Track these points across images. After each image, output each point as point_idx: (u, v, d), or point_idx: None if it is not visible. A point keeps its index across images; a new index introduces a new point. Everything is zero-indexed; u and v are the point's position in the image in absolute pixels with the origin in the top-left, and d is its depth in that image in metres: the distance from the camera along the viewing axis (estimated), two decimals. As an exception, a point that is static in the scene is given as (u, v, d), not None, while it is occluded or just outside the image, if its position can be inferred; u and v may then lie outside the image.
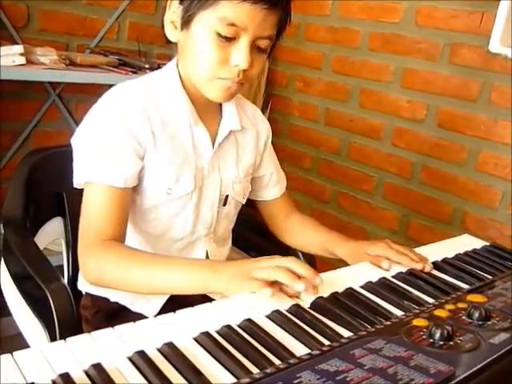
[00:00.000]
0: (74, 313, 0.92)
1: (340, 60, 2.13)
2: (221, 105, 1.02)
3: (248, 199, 1.11)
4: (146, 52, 2.21)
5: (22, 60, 1.63)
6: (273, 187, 1.16)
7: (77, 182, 0.93)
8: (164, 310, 0.99)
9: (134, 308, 1.02)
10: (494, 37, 1.65)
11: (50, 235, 1.19)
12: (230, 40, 0.85)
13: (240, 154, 1.05)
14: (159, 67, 2.02)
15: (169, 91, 0.95)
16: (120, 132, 0.90)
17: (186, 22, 0.88)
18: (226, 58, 0.86)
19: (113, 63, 1.92)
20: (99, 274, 0.87)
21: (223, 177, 1.02)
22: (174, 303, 0.92)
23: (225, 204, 1.04)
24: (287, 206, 1.19)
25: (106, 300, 1.04)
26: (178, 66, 0.97)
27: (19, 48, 1.63)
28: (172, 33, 0.92)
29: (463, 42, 1.75)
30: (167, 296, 1.00)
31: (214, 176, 1.01)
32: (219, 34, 0.85)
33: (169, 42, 0.94)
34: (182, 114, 0.95)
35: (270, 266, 0.76)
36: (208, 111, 0.99)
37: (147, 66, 1.94)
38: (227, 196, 1.04)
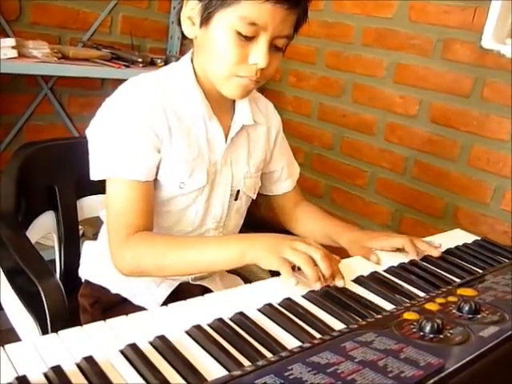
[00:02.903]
0: (66, 309, 0.91)
1: (333, 55, 2.13)
2: (234, 99, 1.02)
3: None
4: (139, 46, 2.20)
5: (14, 53, 1.63)
6: (283, 181, 1.17)
7: (96, 176, 0.94)
8: (166, 303, 0.99)
9: (137, 301, 1.02)
10: (487, 33, 1.66)
11: (42, 229, 1.18)
12: (249, 39, 0.85)
13: (251, 149, 1.06)
14: (152, 61, 2.03)
15: (183, 86, 0.95)
16: (139, 127, 0.90)
17: (205, 19, 0.87)
18: (245, 56, 0.86)
19: (105, 57, 1.91)
20: (137, 265, 0.89)
21: (235, 172, 1.03)
22: (177, 297, 0.93)
23: (236, 199, 1.05)
24: (296, 196, 1.19)
25: (105, 290, 1.04)
26: (192, 60, 0.97)
27: (11, 41, 1.62)
28: (189, 29, 0.92)
29: (456, 38, 1.75)
30: (171, 288, 1.01)
31: (226, 171, 1.01)
32: (239, 33, 0.85)
33: (185, 37, 0.94)
34: (197, 109, 0.95)
35: (302, 253, 0.78)
36: (221, 106, 0.99)
37: (140, 59, 1.93)
38: (238, 191, 1.04)
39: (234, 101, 1.02)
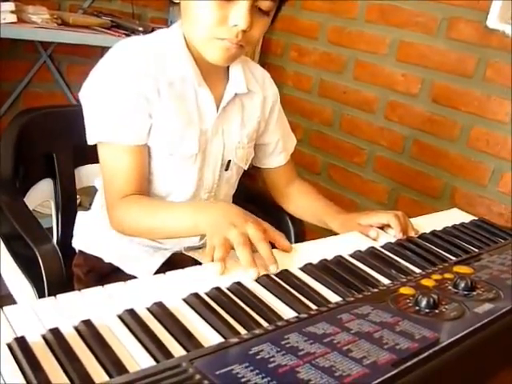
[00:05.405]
0: (64, 273, 0.92)
1: (336, 30, 2.11)
2: (228, 68, 1.00)
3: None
4: (139, 15, 2.17)
5: (13, 18, 1.60)
6: (278, 155, 1.16)
7: (91, 140, 0.94)
8: (158, 273, 1.00)
9: (129, 270, 1.02)
10: (493, 12, 1.64)
11: (40, 197, 1.18)
12: (229, 0, 0.84)
13: (245, 118, 1.05)
14: (153, 30, 1.99)
15: (174, 52, 0.94)
16: (131, 92, 0.90)
17: None
18: (225, 17, 0.85)
19: (105, 25, 1.89)
20: (122, 229, 0.95)
21: (226, 141, 1.02)
22: (169, 267, 0.93)
23: (227, 169, 1.04)
24: (289, 172, 1.19)
25: (99, 260, 1.04)
26: (181, 27, 0.95)
27: (10, 5, 1.60)
28: None
29: (461, 17, 1.73)
30: (164, 258, 1.01)
31: (218, 140, 1.00)
32: None
33: (173, 3, 0.93)
34: (187, 75, 0.94)
35: (242, 234, 0.73)
36: (214, 74, 0.98)
37: (141, 28, 1.91)
38: (229, 161, 1.04)
39: (228, 70, 1.00)
